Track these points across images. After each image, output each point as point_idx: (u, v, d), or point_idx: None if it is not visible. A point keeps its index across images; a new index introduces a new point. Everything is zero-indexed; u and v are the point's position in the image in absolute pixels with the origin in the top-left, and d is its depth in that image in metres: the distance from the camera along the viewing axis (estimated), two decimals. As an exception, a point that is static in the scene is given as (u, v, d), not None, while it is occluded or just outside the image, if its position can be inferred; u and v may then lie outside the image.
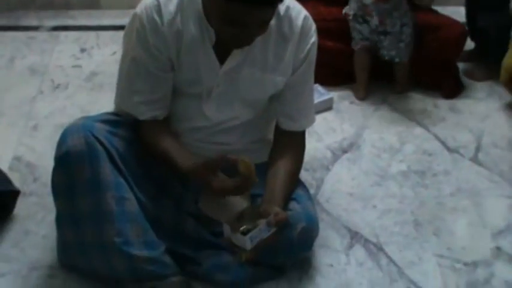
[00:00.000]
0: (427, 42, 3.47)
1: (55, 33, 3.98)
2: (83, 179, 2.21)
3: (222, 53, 2.33)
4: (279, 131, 2.56)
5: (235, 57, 2.34)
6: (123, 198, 2.23)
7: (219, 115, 2.40)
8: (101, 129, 2.28)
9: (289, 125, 2.53)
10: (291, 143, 2.53)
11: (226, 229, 2.23)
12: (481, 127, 3.33)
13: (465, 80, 3.61)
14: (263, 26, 2.20)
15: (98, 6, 4.15)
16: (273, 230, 2.21)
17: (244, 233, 2.19)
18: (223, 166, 2.24)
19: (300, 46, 2.43)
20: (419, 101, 3.50)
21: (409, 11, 3.39)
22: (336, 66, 3.46)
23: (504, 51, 3.44)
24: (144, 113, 2.37)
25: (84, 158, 2.20)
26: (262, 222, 2.20)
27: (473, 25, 3.70)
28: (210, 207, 2.31)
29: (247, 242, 2.17)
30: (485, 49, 3.74)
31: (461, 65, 3.68)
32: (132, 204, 2.26)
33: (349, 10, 3.41)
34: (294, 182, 2.51)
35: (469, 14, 3.75)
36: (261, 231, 2.19)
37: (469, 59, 3.77)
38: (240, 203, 2.32)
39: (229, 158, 2.19)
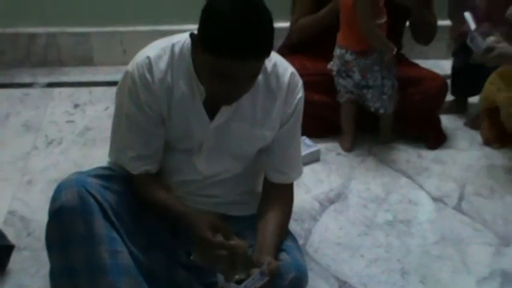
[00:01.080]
0: (410, 95, 3.49)
1: (49, 89, 3.99)
2: (77, 233, 2.19)
3: (211, 108, 2.34)
4: (267, 183, 2.55)
5: (225, 112, 2.34)
6: (116, 251, 2.21)
7: (210, 169, 2.40)
8: (94, 184, 2.27)
9: (277, 178, 2.52)
10: (280, 195, 2.53)
11: (220, 278, 2.22)
12: (463, 176, 3.34)
13: (448, 130, 3.61)
14: (251, 80, 2.21)
15: (91, 63, 4.16)
16: (266, 279, 2.19)
17: (238, 282, 2.18)
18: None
19: (288, 101, 2.44)
20: (403, 151, 3.51)
21: (394, 65, 3.41)
22: (323, 119, 3.47)
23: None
24: (138, 168, 2.37)
25: (78, 213, 2.19)
26: (255, 272, 2.19)
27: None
28: (203, 257, 2.30)
29: None
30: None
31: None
32: (125, 257, 2.23)
33: (332, 66, 3.45)
34: (284, 232, 2.50)
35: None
36: (254, 280, 2.18)
37: (450, 111, 3.78)
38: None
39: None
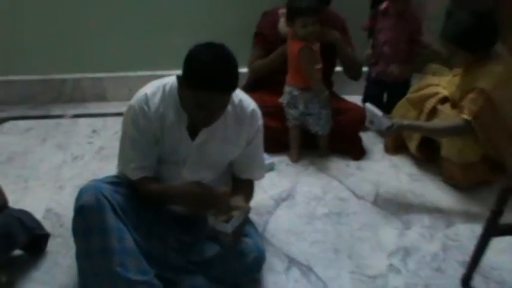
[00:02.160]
0: (339, 121, 3.48)
1: (75, 119, 3.95)
2: (94, 225, 2.20)
3: (193, 131, 2.36)
4: (237, 178, 2.59)
5: (203, 134, 2.36)
6: (123, 238, 2.22)
7: (192, 177, 2.38)
8: (107, 188, 2.27)
9: (244, 176, 2.57)
10: (246, 181, 2.58)
11: (211, 220, 2.28)
12: (378, 180, 3.33)
13: (366, 146, 3.61)
14: (222, 108, 2.25)
15: (105, 99, 4.15)
16: (242, 218, 2.28)
17: (225, 222, 2.26)
18: None
19: (251, 127, 2.47)
20: (335, 162, 3.50)
21: (328, 98, 3.40)
22: (277, 139, 3.46)
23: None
24: (138, 175, 2.36)
25: (95, 210, 2.20)
26: (236, 213, 2.27)
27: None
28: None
29: (228, 227, 2.24)
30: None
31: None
32: (130, 243, 2.24)
33: (283, 99, 3.44)
34: (249, 198, 2.55)
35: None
36: (236, 219, 2.26)
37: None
38: None
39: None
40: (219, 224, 2.26)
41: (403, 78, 3.68)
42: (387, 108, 3.68)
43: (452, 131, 3.02)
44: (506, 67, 2.97)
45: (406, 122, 3.10)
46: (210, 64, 2.11)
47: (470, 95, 2.95)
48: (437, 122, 3.13)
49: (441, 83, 3.36)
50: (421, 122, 3.21)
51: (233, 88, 2.20)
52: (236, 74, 2.19)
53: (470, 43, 2.93)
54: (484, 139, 2.94)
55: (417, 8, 3.67)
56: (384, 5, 3.61)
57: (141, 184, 2.37)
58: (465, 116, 2.93)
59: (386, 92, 3.78)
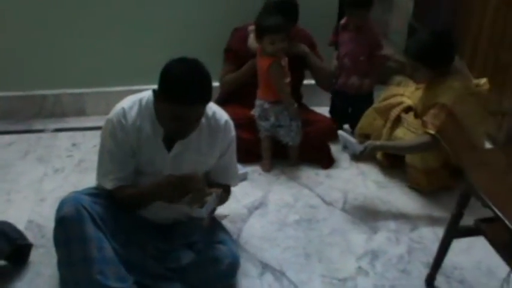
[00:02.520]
0: (309, 132, 3.50)
1: (55, 133, 3.93)
2: (74, 235, 2.19)
3: (169, 143, 2.36)
4: (214, 183, 2.57)
5: (179, 146, 2.37)
6: (102, 247, 2.21)
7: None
8: (86, 200, 2.27)
9: (219, 181, 2.56)
10: (221, 185, 2.54)
11: (187, 208, 2.28)
12: (346, 187, 3.35)
13: (335, 155, 3.63)
14: (197, 121, 2.26)
15: (84, 113, 4.13)
16: (215, 203, 2.31)
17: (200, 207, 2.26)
18: None
19: (225, 138, 2.49)
20: (305, 171, 3.52)
21: (298, 110, 3.43)
22: (249, 150, 3.46)
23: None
24: (115, 185, 2.36)
25: (75, 220, 2.19)
26: (209, 199, 2.27)
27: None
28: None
29: (203, 212, 2.25)
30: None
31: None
32: (109, 251, 2.24)
33: (255, 112, 3.45)
34: (224, 198, 2.53)
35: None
36: (209, 203, 2.26)
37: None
38: None
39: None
40: (195, 211, 2.28)
41: (364, 90, 3.72)
42: (352, 120, 3.74)
43: (421, 148, 3.09)
44: (464, 83, 3.07)
45: (378, 143, 3.18)
46: (184, 77, 2.14)
47: (432, 111, 3.03)
48: (407, 140, 3.19)
49: (406, 92, 3.45)
50: (392, 142, 3.28)
51: (207, 100, 2.22)
52: (210, 87, 2.21)
53: (431, 60, 3.03)
54: (450, 150, 3.00)
55: (375, 23, 3.71)
56: (344, 20, 3.66)
57: (117, 192, 2.36)
58: (430, 131, 2.99)
59: (350, 103, 3.82)
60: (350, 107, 3.83)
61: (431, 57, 3.01)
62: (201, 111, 2.25)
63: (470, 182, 2.27)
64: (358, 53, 3.62)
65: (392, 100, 3.43)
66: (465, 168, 2.34)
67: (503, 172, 2.37)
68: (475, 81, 3.19)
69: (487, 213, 2.14)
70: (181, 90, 2.13)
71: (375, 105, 3.53)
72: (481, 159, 2.51)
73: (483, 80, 3.20)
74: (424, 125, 3.05)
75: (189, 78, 2.14)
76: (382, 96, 3.56)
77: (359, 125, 3.59)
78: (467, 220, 2.42)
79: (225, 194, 2.55)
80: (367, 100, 3.68)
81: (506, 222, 1.99)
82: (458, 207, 2.40)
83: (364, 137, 3.52)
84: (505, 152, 2.82)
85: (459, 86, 3.03)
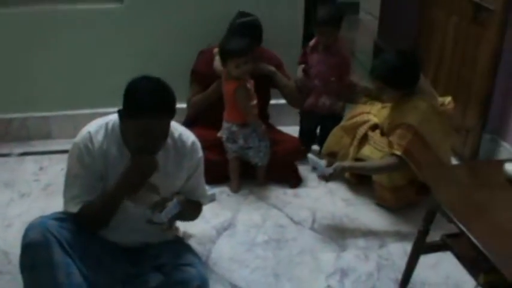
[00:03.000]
0: (276, 152, 3.52)
1: (21, 157, 3.88)
2: (41, 261, 2.16)
3: (136, 167, 2.34)
4: None
5: (145, 168, 2.35)
6: (70, 273, 2.19)
7: (138, 208, 2.39)
8: (53, 225, 2.24)
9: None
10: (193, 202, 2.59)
11: (148, 213, 2.35)
12: (315, 206, 3.37)
13: (302, 174, 3.65)
14: (163, 135, 2.27)
15: (50, 137, 4.09)
16: (178, 207, 2.34)
17: (160, 212, 2.32)
18: None
19: (192, 159, 2.49)
20: (273, 191, 3.53)
21: (265, 131, 3.45)
22: (217, 171, 3.45)
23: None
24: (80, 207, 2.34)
25: (41, 246, 2.17)
26: (169, 203, 2.33)
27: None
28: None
29: (163, 217, 2.31)
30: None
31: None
32: (77, 277, 2.21)
33: (222, 134, 3.46)
34: (193, 212, 2.63)
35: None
36: (170, 208, 2.32)
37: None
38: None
39: None
40: (155, 216, 2.33)
41: (334, 111, 3.73)
42: (320, 141, 3.76)
43: (388, 169, 3.13)
44: (429, 103, 3.13)
45: (347, 164, 3.20)
46: (147, 89, 2.18)
47: (398, 131, 3.08)
48: (375, 162, 3.22)
49: (372, 110, 3.49)
50: (361, 163, 3.30)
51: (171, 112, 2.24)
52: (173, 99, 2.24)
53: (397, 82, 3.08)
54: (416, 171, 3.04)
55: (344, 45, 3.76)
56: (313, 41, 3.69)
57: (83, 210, 2.32)
58: (397, 152, 3.03)
59: (320, 123, 3.84)
60: (320, 127, 3.85)
61: (398, 79, 3.07)
62: (167, 125, 2.26)
63: (435, 198, 2.31)
64: (328, 74, 3.63)
65: (359, 118, 3.47)
66: (431, 185, 2.38)
67: (467, 188, 2.42)
68: (440, 99, 3.25)
69: (454, 229, 2.18)
70: (145, 101, 2.16)
71: (342, 123, 3.57)
72: (446, 176, 2.56)
73: (448, 99, 3.26)
74: (390, 145, 3.10)
75: (152, 90, 2.19)
76: (348, 115, 3.60)
77: (326, 143, 3.61)
78: (435, 235, 2.46)
79: (195, 207, 2.59)
80: (336, 119, 3.70)
81: (471, 237, 2.03)
82: (425, 223, 2.45)
83: (331, 155, 3.55)
84: (469, 167, 2.88)
85: (425, 106, 3.09)
